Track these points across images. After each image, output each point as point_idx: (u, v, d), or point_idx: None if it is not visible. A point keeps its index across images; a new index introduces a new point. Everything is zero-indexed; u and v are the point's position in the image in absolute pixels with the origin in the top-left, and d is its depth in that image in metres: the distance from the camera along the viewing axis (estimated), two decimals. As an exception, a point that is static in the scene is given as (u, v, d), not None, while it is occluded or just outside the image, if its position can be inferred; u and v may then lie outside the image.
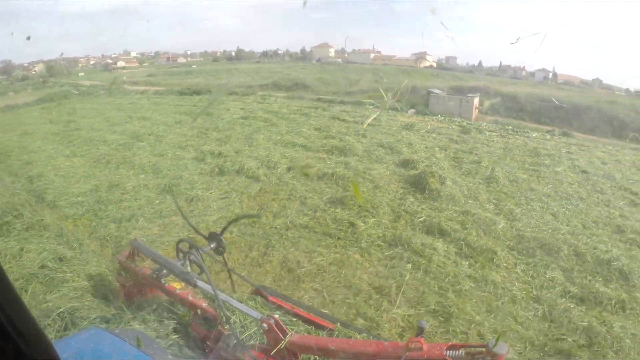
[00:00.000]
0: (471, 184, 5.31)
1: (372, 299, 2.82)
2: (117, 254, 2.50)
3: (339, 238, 3.64)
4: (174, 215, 4.15)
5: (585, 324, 2.66)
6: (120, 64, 53.78)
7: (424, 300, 2.82)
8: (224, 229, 2.00)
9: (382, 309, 2.72)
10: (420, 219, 4.01)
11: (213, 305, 1.89)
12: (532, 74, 36.94)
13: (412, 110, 11.95)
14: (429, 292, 2.92)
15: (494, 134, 9.26)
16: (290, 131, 8.15)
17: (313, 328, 1.86)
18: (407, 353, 1.29)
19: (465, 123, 10.31)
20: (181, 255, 2.04)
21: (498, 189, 5.25)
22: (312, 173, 5.49)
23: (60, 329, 2.24)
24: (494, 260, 3.34)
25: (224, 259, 2.10)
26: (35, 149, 7.16)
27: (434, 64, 47.02)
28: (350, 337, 1.75)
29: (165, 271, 2.03)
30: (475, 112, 11.66)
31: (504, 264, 3.35)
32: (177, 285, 2.06)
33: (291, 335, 1.62)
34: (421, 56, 48.09)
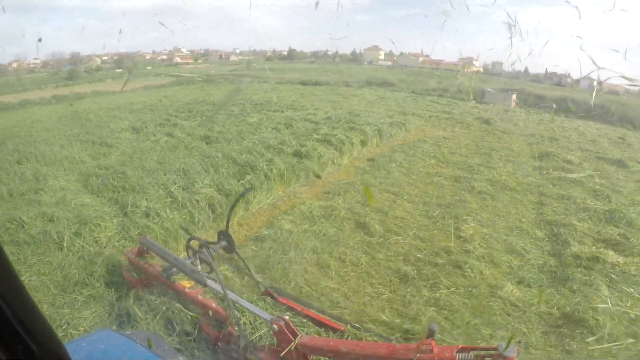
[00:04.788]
0: (509, 124, 13.50)
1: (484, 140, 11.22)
2: (127, 250, 2.76)
3: (468, 127, 12.04)
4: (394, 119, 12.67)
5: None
6: (176, 60, 61.65)
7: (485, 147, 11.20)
8: (227, 223, 2.28)
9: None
10: (491, 128, 12.36)
11: (223, 305, 2.00)
12: (577, 82, 38.92)
13: (474, 101, 20.14)
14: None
15: (523, 114, 17.29)
16: (414, 105, 16.60)
17: (323, 330, 1.96)
18: (418, 355, 1.38)
19: (506, 108, 18.40)
20: (191, 253, 2.18)
21: (519, 128, 13.40)
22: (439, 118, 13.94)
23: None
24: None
25: (240, 257, 2.28)
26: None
27: (481, 70, 52.71)
28: (361, 338, 1.85)
29: (174, 269, 2.16)
30: (513, 103, 19.65)
31: (518, 140, 11.54)
32: (186, 284, 2.18)
33: (301, 336, 1.71)
34: (468, 61, 53.78)
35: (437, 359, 1.34)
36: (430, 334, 1.44)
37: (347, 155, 7.39)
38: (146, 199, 4.36)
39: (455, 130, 11.70)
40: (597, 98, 23.93)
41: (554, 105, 20.63)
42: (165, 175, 5.15)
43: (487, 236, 4.41)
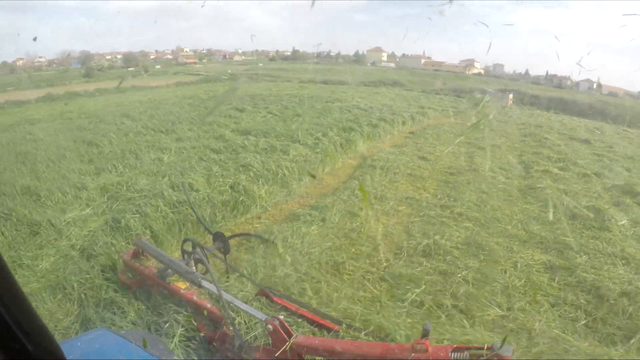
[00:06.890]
0: (504, 117, 17.43)
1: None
2: (122, 252, 2.85)
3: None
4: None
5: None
6: (182, 59, 63.44)
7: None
8: (234, 236, 2.39)
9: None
10: (491, 118, 16.30)
11: (218, 305, 2.04)
12: (577, 84, 40.90)
13: (476, 99, 24.20)
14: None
15: (517, 110, 21.31)
16: (428, 102, 20.50)
17: (318, 329, 2.02)
18: (413, 355, 1.40)
19: (503, 105, 22.44)
20: (186, 254, 2.26)
21: (513, 119, 17.33)
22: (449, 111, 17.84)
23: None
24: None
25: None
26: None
27: (482, 71, 55.65)
28: (356, 338, 1.92)
29: (169, 271, 2.23)
30: (510, 102, 23.74)
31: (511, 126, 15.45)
32: (181, 285, 2.24)
33: (296, 336, 1.75)
34: (470, 63, 56.57)
35: (432, 359, 1.38)
36: (425, 333, 1.47)
37: (396, 129, 11.26)
38: (307, 139, 8.15)
39: (463, 119, 15.61)
40: (593, 99, 28.03)
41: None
42: (301, 130, 8.93)
43: (489, 164, 8.30)
